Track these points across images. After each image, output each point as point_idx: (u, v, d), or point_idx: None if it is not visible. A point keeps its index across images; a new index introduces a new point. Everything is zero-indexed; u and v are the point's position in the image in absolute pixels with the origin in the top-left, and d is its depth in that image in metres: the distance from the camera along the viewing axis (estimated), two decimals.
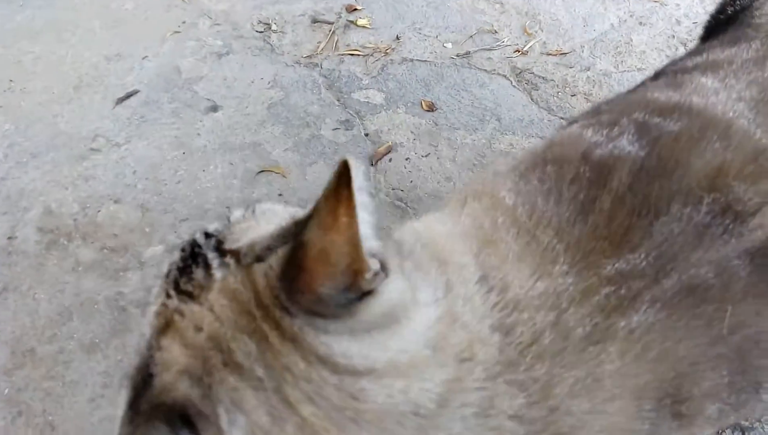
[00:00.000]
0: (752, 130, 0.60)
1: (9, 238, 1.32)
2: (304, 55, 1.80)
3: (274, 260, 0.44)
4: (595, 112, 0.75)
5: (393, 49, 1.81)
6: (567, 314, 0.49)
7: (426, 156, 1.52)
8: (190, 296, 0.46)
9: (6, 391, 1.10)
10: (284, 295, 0.43)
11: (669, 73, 0.79)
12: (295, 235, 0.43)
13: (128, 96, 1.63)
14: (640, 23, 1.85)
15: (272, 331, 0.43)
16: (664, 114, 0.63)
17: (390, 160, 1.51)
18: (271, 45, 1.84)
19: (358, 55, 1.81)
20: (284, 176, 1.46)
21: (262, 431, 0.42)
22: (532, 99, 1.63)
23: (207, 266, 0.47)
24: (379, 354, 0.44)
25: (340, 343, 0.43)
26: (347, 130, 1.58)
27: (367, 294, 0.43)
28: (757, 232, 0.52)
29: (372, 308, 0.43)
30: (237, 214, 0.53)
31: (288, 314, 0.43)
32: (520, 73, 1.73)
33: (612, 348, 0.49)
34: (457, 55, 1.78)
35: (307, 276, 0.41)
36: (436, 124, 1.59)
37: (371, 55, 1.80)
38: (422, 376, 0.44)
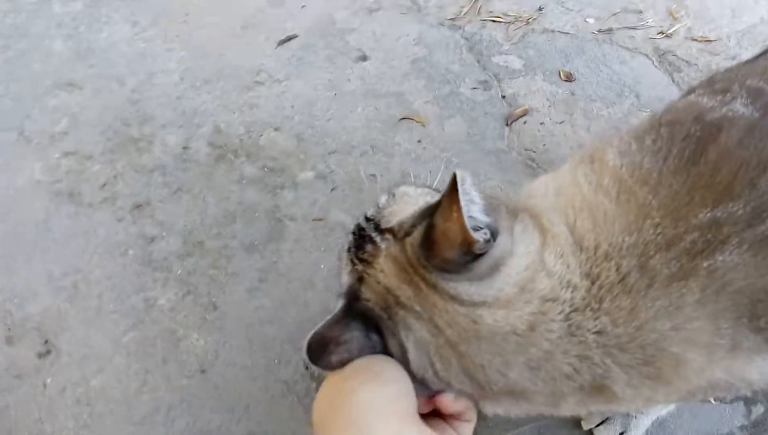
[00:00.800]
0: None
1: (184, 147, 1.51)
2: (448, 18, 1.89)
3: (416, 235, 0.62)
4: (711, 81, 0.81)
5: (534, 19, 1.87)
6: (653, 260, 0.58)
7: (560, 123, 1.58)
8: (367, 263, 0.65)
9: (179, 272, 1.28)
10: (423, 259, 0.61)
11: None
12: (428, 216, 0.61)
13: (288, 39, 1.79)
14: None
15: (420, 282, 0.62)
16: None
17: (525, 122, 1.58)
18: (418, 6, 1.94)
19: (500, 21, 1.87)
20: (424, 125, 1.57)
21: (425, 342, 0.62)
22: (673, 80, 1.64)
23: (373, 242, 0.66)
24: (488, 292, 0.60)
25: (463, 286, 0.60)
26: (485, 90, 1.66)
27: (479, 256, 0.59)
28: None
29: (483, 264, 0.60)
30: (383, 199, 0.72)
31: (427, 271, 0.61)
32: (662, 54, 1.74)
33: (694, 284, 0.57)
34: (599, 31, 1.81)
35: (437, 247, 0.59)
36: (573, 94, 1.64)
37: (512, 23, 1.86)
38: (514, 308, 0.60)
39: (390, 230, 0.65)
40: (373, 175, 1.46)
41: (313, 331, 0.64)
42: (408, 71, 1.71)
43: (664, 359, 0.59)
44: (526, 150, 1.52)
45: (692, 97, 0.75)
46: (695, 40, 1.79)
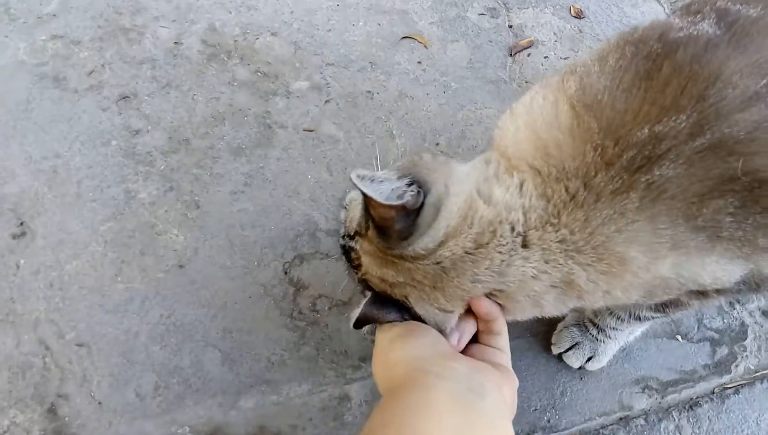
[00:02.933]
0: None
1: (176, 42, 1.45)
2: None
3: (371, 228, 0.72)
4: (689, 4, 0.80)
5: None
6: (595, 179, 0.64)
7: (565, 59, 1.54)
8: (359, 266, 0.77)
9: (162, 167, 1.25)
10: (383, 243, 0.71)
11: None
12: (366, 209, 0.73)
13: None
14: None
15: (393, 259, 0.72)
16: (750, 2, 0.69)
17: (528, 54, 1.54)
18: None
19: None
20: (426, 47, 1.52)
21: (421, 301, 0.73)
22: None
23: (353, 249, 0.76)
24: (439, 234, 0.69)
25: (421, 243, 0.69)
26: (492, 17, 1.61)
27: (419, 210, 0.68)
28: None
29: (425, 214, 0.69)
30: (342, 214, 0.82)
31: (392, 248, 0.71)
32: (675, 1, 1.69)
33: (634, 195, 0.63)
34: None
35: (385, 229, 0.70)
36: (581, 32, 1.60)
37: None
38: (461, 234, 0.69)
39: (357, 233, 0.76)
40: (369, 92, 1.42)
41: (356, 313, 0.75)
42: None
43: (612, 257, 0.66)
44: (526, 82, 1.48)
45: (662, 19, 0.75)
46: None
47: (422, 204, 0.69)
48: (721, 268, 0.67)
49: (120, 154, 1.26)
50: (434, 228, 0.69)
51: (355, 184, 0.65)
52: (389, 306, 0.75)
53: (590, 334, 1.04)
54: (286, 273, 1.14)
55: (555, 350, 1.07)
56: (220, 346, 1.06)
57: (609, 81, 0.67)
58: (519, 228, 0.68)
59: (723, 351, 1.13)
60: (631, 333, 1.03)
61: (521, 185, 0.70)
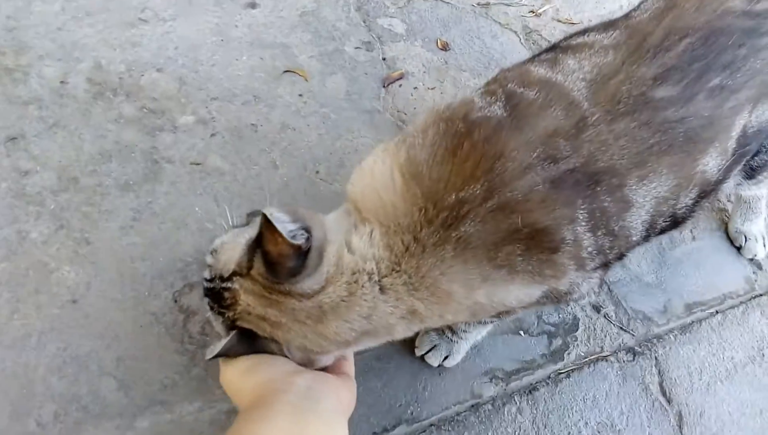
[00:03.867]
0: (582, 102, 0.86)
1: (61, 82, 1.51)
2: None
3: (257, 265, 0.81)
4: (493, 79, 1.01)
5: None
6: (421, 233, 0.81)
7: (432, 89, 1.72)
8: (231, 307, 0.84)
9: (52, 207, 1.32)
10: (272, 277, 0.80)
11: (558, 48, 1.03)
12: (256, 247, 0.81)
13: None
14: None
15: (278, 297, 0.81)
16: (532, 85, 0.88)
17: (400, 85, 1.72)
18: None
19: None
20: (306, 80, 1.66)
21: (299, 343, 0.85)
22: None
23: (227, 289, 0.84)
24: (320, 278, 0.81)
25: (307, 283, 0.81)
26: (367, 51, 1.77)
27: (307, 252, 0.80)
28: (560, 167, 0.82)
29: (312, 257, 0.80)
30: (210, 259, 0.88)
31: (280, 284, 0.80)
32: (529, 32, 1.92)
33: (449, 247, 0.80)
34: (478, 4, 1.96)
35: (277, 265, 0.79)
36: (446, 63, 1.79)
37: None
38: (336, 282, 0.82)
39: (234, 273, 0.83)
40: (254, 125, 1.54)
41: (219, 348, 0.82)
42: (296, 24, 1.78)
43: (440, 292, 0.83)
44: (398, 112, 1.66)
45: (469, 95, 0.94)
46: (560, 21, 1.98)
47: (309, 248, 0.80)
48: (522, 292, 0.87)
49: (10, 195, 1.32)
50: (318, 272, 0.81)
51: (270, 220, 0.74)
52: (255, 344, 0.84)
53: (446, 336, 1.22)
54: (175, 301, 1.25)
55: (418, 352, 1.25)
56: (115, 374, 1.16)
57: (427, 154, 0.84)
58: (375, 277, 0.83)
59: (558, 342, 1.35)
60: (479, 333, 1.22)
61: (371, 234, 0.84)
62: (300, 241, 0.78)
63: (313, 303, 0.82)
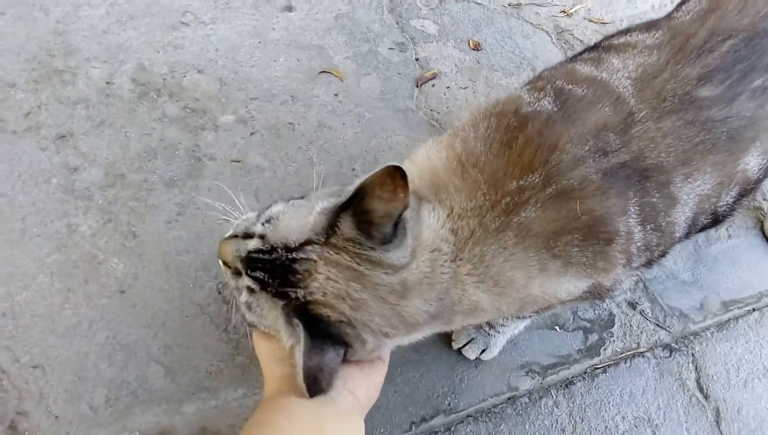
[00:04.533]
0: (629, 99, 0.88)
1: (107, 82, 1.56)
2: None
3: (346, 229, 0.75)
4: (536, 79, 1.03)
5: None
6: (486, 218, 0.81)
7: (464, 88, 1.75)
8: (302, 282, 0.76)
9: (100, 201, 1.38)
10: (365, 239, 0.75)
11: (600, 48, 1.05)
12: (338, 213, 0.75)
13: None
14: None
15: (364, 268, 0.75)
16: (578, 83, 0.91)
17: (433, 85, 1.74)
18: None
19: None
20: (341, 80, 1.69)
21: (379, 327, 0.78)
22: (566, 57, 1.84)
23: (297, 261, 0.76)
24: (405, 252, 0.78)
25: (393, 254, 0.77)
26: (401, 51, 1.80)
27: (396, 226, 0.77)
28: (611, 160, 0.84)
29: (400, 227, 0.78)
30: (261, 228, 0.80)
31: (370, 251, 0.76)
32: (561, 32, 1.94)
33: (510, 233, 0.81)
34: (510, 5, 1.98)
35: (374, 227, 0.75)
36: (479, 63, 1.81)
37: None
38: (419, 257, 0.79)
39: (308, 242, 0.76)
40: (291, 124, 1.58)
41: (300, 369, 0.73)
42: (331, 26, 1.82)
43: (503, 281, 0.83)
44: (431, 111, 1.68)
45: (519, 90, 0.96)
46: (592, 21, 1.99)
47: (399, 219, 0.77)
48: (572, 285, 0.88)
49: (60, 190, 1.37)
50: (405, 244, 0.77)
51: (397, 169, 0.69)
52: (326, 347, 0.75)
53: (483, 330, 1.24)
54: (219, 292, 1.29)
55: (455, 345, 1.27)
56: (162, 361, 1.20)
57: (483, 147, 0.86)
58: (448, 256, 0.81)
59: (594, 337, 1.36)
60: (516, 327, 1.24)
61: (438, 215, 0.83)
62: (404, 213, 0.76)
63: (399, 278, 0.77)
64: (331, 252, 0.75)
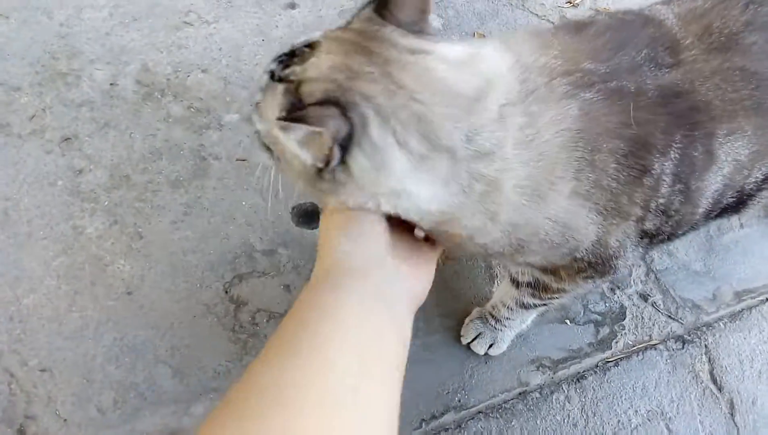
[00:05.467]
0: (674, 28, 0.86)
1: (111, 84, 1.56)
2: None
3: (369, 8, 0.72)
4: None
5: None
6: (554, 80, 0.75)
7: None
8: (302, 61, 0.70)
9: (105, 203, 1.38)
10: (382, 17, 0.71)
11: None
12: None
13: None
14: None
15: (373, 45, 0.68)
16: (627, 14, 0.90)
17: None
18: None
19: None
20: None
21: (384, 108, 0.66)
22: None
23: (309, 45, 0.72)
24: (436, 46, 0.70)
25: (413, 40, 0.69)
26: None
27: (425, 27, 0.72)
28: (665, 77, 0.80)
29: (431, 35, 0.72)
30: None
31: (383, 29, 0.70)
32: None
33: (574, 104, 0.74)
34: None
35: (398, 8, 0.71)
36: None
37: None
38: (464, 68, 0.70)
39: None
40: None
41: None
42: (335, 22, 1.79)
43: (547, 161, 0.73)
44: None
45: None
46: (598, 10, 1.97)
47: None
48: (585, 221, 0.80)
49: (66, 193, 1.37)
50: (435, 41, 0.71)
51: None
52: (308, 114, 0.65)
53: (490, 324, 1.22)
54: (226, 292, 1.28)
55: (463, 341, 1.26)
56: (170, 362, 1.20)
57: (558, 26, 0.89)
58: (503, 100, 0.71)
59: (605, 331, 1.34)
60: (522, 322, 1.22)
61: (510, 62, 0.75)
62: (429, 22, 0.73)
63: (421, 59, 0.68)
64: (342, 31, 0.72)
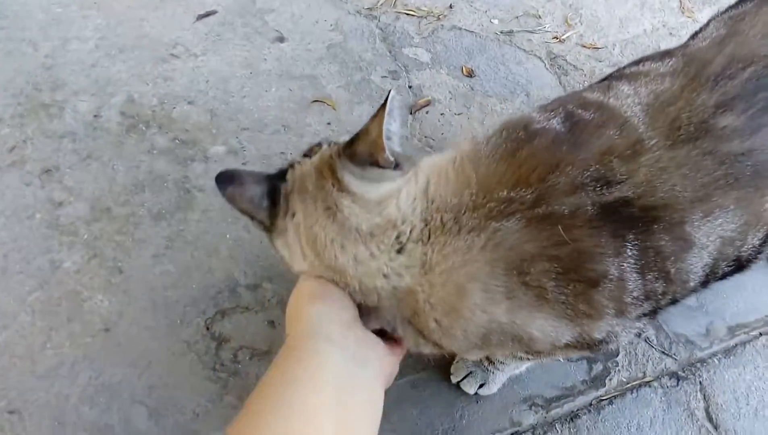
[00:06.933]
0: (639, 126, 0.83)
1: (95, 115, 1.54)
2: (365, 7, 1.99)
3: (349, 142, 0.83)
4: (550, 103, 0.98)
5: (445, 16, 2.00)
6: (463, 216, 0.78)
7: (458, 114, 1.73)
8: (308, 157, 0.88)
9: (85, 236, 1.34)
10: (341, 149, 0.83)
11: (611, 78, 1.01)
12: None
13: (207, 14, 1.84)
14: (670, 34, 2.03)
15: (325, 169, 0.83)
16: (587, 108, 0.87)
17: (427, 112, 1.72)
18: None
19: (413, 15, 1.99)
20: (334, 109, 1.67)
21: (297, 222, 0.83)
22: (560, 82, 1.82)
23: (319, 145, 0.89)
24: (360, 190, 0.81)
25: (349, 177, 0.81)
26: (394, 79, 1.78)
27: (379, 167, 0.81)
28: (613, 194, 0.78)
29: (374, 172, 0.81)
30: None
31: (337, 159, 0.82)
32: (554, 58, 1.93)
33: (483, 236, 0.77)
34: (501, 32, 1.97)
35: (356, 142, 0.82)
36: (472, 89, 1.80)
37: (425, 17, 1.99)
38: (367, 211, 0.80)
39: (336, 142, 0.87)
40: (283, 153, 1.55)
41: (236, 168, 0.89)
42: (323, 56, 1.81)
43: (453, 284, 0.77)
44: (426, 137, 1.66)
45: (530, 112, 0.92)
46: (585, 46, 1.99)
47: (383, 166, 0.82)
48: (548, 324, 0.79)
49: (44, 226, 1.33)
50: (365, 185, 0.81)
51: (387, 96, 0.79)
52: (261, 187, 0.86)
53: (482, 365, 1.19)
54: (208, 328, 1.24)
55: (453, 379, 1.22)
56: (147, 402, 1.14)
57: (489, 151, 0.83)
58: (403, 238, 0.79)
59: (598, 367, 1.31)
60: (516, 367, 1.18)
61: (414, 200, 0.81)
62: (387, 153, 0.80)
63: (336, 198, 0.81)
64: (328, 148, 0.86)
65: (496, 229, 0.76)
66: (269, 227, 0.87)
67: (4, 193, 1.36)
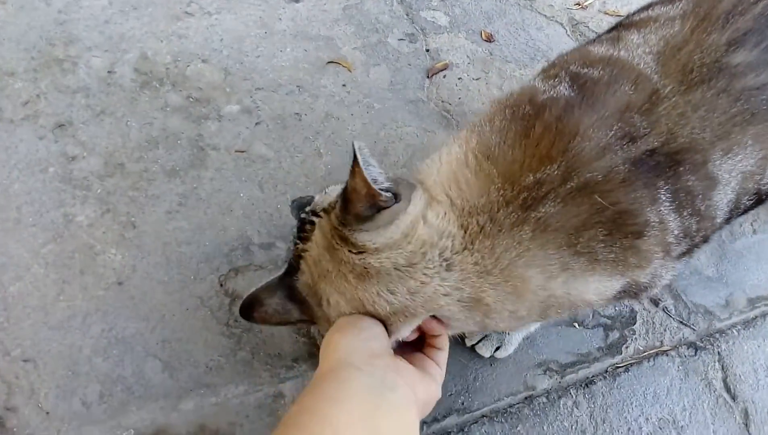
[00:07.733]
0: (651, 75, 0.82)
1: (109, 71, 1.52)
2: None
3: (338, 202, 0.79)
4: (551, 65, 0.97)
5: None
6: (498, 214, 0.77)
7: (477, 79, 1.69)
8: (306, 240, 0.85)
9: (98, 191, 1.32)
10: (340, 215, 0.79)
11: (620, 27, 0.98)
12: (345, 188, 0.79)
13: None
14: None
15: (335, 241, 0.80)
16: (594, 64, 0.85)
17: (444, 76, 1.69)
18: None
19: None
20: (350, 70, 1.64)
21: (337, 304, 0.82)
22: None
23: (311, 222, 0.84)
24: (380, 239, 0.78)
25: (364, 235, 0.78)
26: (411, 42, 1.75)
27: (382, 209, 0.78)
28: (640, 147, 0.77)
29: (383, 216, 0.78)
30: (318, 196, 0.89)
31: (342, 226, 0.79)
32: (576, 24, 1.88)
33: (527, 227, 0.76)
34: None
35: (350, 203, 0.77)
36: (491, 54, 1.76)
37: None
38: (397, 248, 0.78)
39: (324, 211, 0.84)
40: (298, 114, 1.53)
41: (250, 292, 0.87)
42: (339, 17, 1.77)
43: (515, 277, 0.77)
44: (442, 102, 1.63)
45: (533, 81, 0.90)
46: (607, 13, 1.94)
47: (385, 207, 0.78)
48: (602, 285, 0.82)
49: (57, 179, 1.32)
50: (382, 233, 0.78)
51: (354, 149, 0.74)
52: (280, 293, 0.85)
53: None
54: (221, 285, 1.23)
55: (468, 342, 1.20)
56: (160, 356, 1.14)
57: (498, 138, 0.81)
58: (447, 253, 0.79)
59: (615, 335, 1.29)
60: (531, 325, 1.17)
61: (445, 213, 0.80)
62: (383, 194, 0.77)
63: (361, 260, 0.79)
64: (326, 220, 0.82)
65: (537, 218, 0.76)
66: (311, 321, 0.88)
67: (18, 147, 1.35)
